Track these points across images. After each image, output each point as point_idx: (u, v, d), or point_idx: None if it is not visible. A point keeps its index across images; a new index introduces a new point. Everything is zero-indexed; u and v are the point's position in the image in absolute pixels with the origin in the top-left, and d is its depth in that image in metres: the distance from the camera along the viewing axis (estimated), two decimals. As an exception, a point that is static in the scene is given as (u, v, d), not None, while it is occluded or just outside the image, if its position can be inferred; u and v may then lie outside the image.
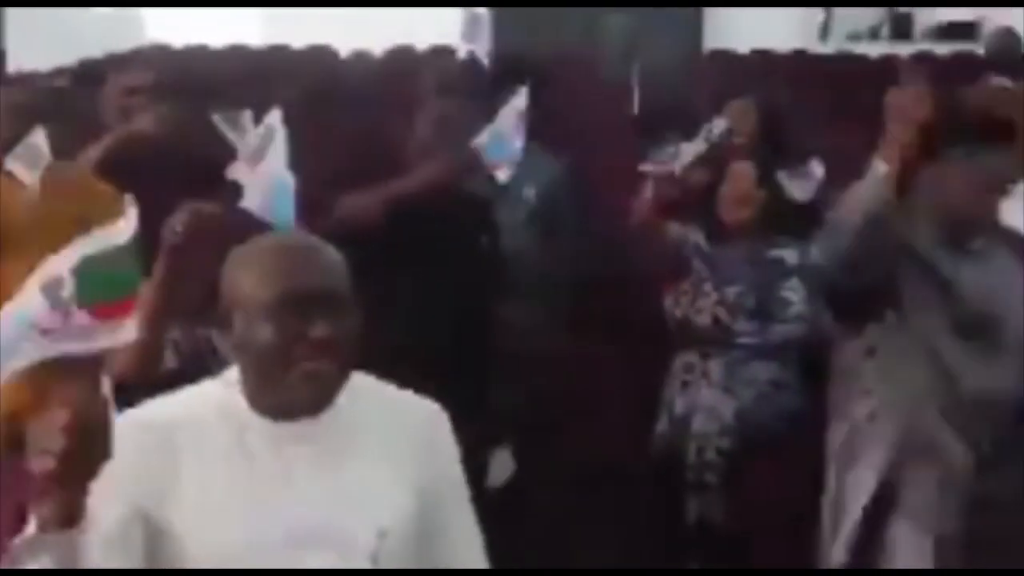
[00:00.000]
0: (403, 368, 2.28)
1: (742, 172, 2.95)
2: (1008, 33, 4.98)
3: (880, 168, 2.04)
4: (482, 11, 3.77)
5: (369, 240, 2.56)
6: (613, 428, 3.08)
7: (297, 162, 2.43)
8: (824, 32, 10.09)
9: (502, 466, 3.11)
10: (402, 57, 7.43)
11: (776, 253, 2.90)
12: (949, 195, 2.14)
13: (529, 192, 3.36)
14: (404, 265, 2.75)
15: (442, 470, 1.58)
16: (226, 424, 1.46)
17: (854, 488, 2.22)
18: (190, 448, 1.44)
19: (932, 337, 2.13)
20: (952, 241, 2.16)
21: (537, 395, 3.16)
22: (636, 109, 7.01)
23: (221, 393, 1.50)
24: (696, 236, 2.98)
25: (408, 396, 1.60)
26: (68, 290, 1.30)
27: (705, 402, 2.87)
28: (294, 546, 1.45)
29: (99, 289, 1.32)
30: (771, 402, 2.86)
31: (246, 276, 1.45)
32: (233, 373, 1.50)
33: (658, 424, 2.98)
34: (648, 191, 2.79)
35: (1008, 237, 2.97)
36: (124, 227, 1.32)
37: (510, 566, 2.75)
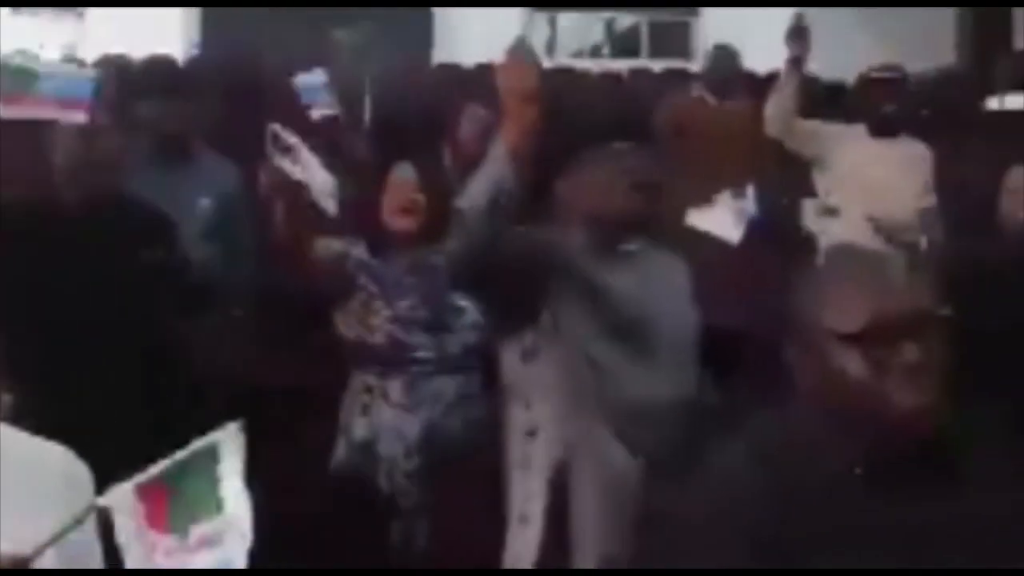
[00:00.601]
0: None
1: (404, 179, 2.79)
2: (724, 50, 5.14)
3: (500, 148, 1.93)
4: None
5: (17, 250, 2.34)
6: (303, 454, 2.90)
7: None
8: (550, 48, 10.36)
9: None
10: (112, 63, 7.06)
11: (443, 260, 2.77)
12: (587, 194, 2.08)
13: (205, 203, 3.16)
14: (58, 279, 2.55)
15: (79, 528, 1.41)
16: None
17: (530, 499, 2.11)
18: None
19: (587, 341, 2.05)
20: (601, 243, 2.09)
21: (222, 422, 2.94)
22: (368, 119, 6.96)
23: None
24: (358, 249, 2.82)
25: (44, 446, 1.44)
26: None
27: (388, 424, 2.72)
28: None
29: None
30: (457, 416, 2.74)
31: None
32: None
33: (336, 450, 2.81)
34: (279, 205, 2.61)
35: (685, 240, 3.00)
36: None
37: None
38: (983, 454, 1.51)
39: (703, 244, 3.79)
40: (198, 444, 1.35)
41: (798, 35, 3.68)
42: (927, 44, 8.40)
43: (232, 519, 1.47)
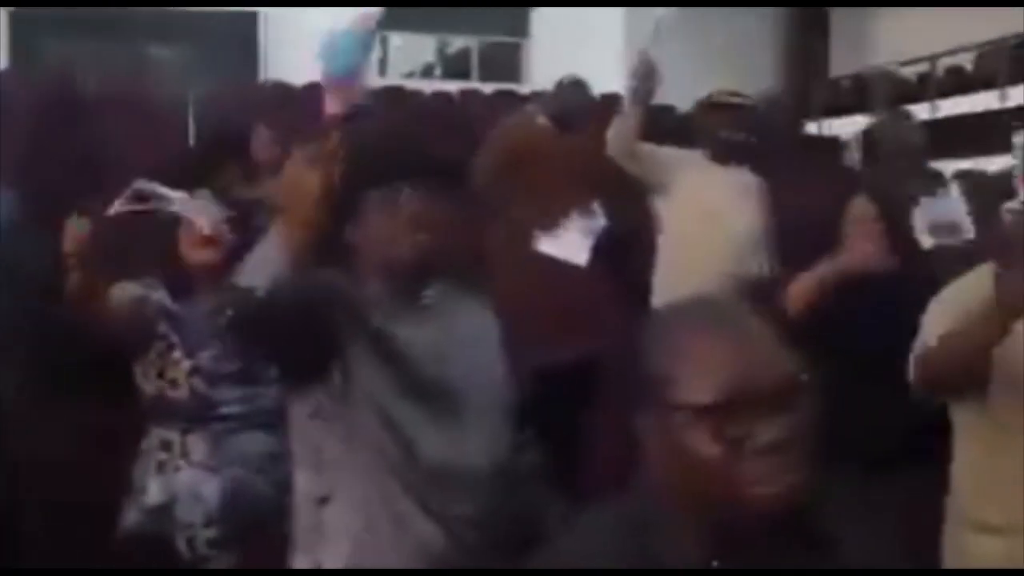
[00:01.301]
0: None
1: (204, 206, 2.50)
2: (574, 82, 4.93)
3: (275, 238, 1.67)
4: None
5: None
6: (92, 515, 2.56)
7: None
8: (382, 68, 10.17)
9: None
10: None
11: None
12: (370, 240, 1.84)
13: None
14: None
15: None
16: None
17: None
18: None
19: (382, 401, 1.76)
20: (393, 291, 1.84)
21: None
22: (192, 140, 6.61)
23: None
24: (159, 293, 2.51)
25: None
26: None
27: (186, 486, 2.42)
28: None
29: None
30: (267, 476, 2.44)
31: None
32: None
33: (128, 514, 2.48)
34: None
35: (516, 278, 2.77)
36: None
37: None
38: (838, 506, 1.40)
39: (536, 282, 3.63)
40: None
41: (645, 74, 3.50)
42: (749, 71, 8.55)
43: None
